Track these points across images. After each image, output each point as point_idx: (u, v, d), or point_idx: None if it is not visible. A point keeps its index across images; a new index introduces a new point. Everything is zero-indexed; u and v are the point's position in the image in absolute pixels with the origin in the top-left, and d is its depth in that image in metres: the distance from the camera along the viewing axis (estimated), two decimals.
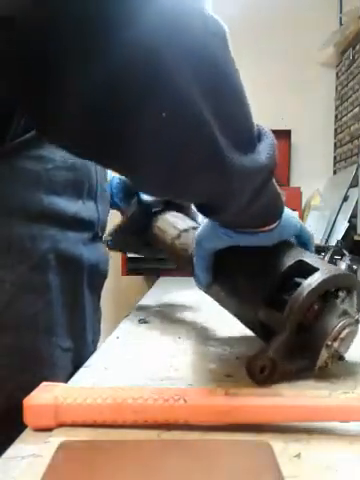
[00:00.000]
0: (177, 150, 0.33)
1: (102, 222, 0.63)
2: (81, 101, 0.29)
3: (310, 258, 0.52)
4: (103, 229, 0.65)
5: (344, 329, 0.48)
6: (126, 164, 0.35)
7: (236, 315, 0.58)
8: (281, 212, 0.49)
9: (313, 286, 0.47)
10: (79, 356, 0.57)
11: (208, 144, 0.34)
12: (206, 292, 0.61)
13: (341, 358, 0.49)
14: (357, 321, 0.49)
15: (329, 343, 0.48)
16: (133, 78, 0.29)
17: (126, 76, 0.29)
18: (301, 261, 0.51)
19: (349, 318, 0.48)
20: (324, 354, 0.48)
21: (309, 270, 0.49)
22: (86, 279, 0.58)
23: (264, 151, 0.40)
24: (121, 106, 0.30)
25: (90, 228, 0.59)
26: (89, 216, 0.58)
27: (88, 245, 0.59)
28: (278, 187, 0.46)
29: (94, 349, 0.62)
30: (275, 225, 0.50)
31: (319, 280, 0.48)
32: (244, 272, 0.54)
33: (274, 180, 0.44)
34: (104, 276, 0.65)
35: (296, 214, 0.54)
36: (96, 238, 0.62)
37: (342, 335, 0.48)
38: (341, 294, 0.50)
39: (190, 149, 0.34)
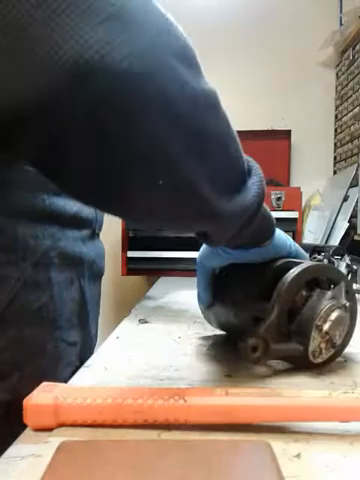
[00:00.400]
0: (169, 208, 0.38)
1: (100, 220, 0.66)
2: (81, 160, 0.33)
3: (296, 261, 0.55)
4: (100, 227, 0.67)
5: (333, 311, 0.49)
6: (123, 216, 0.41)
7: (235, 327, 0.60)
8: (273, 229, 0.52)
9: (296, 272, 0.51)
10: (84, 349, 0.59)
11: (198, 202, 0.38)
12: (205, 314, 0.64)
13: (335, 346, 0.50)
14: (345, 306, 0.51)
15: (319, 323, 0.49)
16: (127, 149, 0.33)
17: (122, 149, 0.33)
18: (289, 261, 0.54)
19: (337, 302, 0.50)
20: (315, 337, 0.49)
21: (296, 265, 0.53)
22: (87, 275, 0.60)
23: (253, 187, 0.43)
24: (117, 172, 0.34)
25: (88, 226, 0.61)
26: (87, 215, 0.60)
27: (87, 243, 0.61)
28: (267, 207, 0.48)
29: (95, 342, 0.64)
30: (269, 241, 0.52)
31: (302, 267, 0.52)
32: (242, 282, 0.57)
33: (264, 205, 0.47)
34: (101, 272, 0.67)
35: (289, 237, 0.57)
36: (94, 235, 0.64)
37: (331, 317, 0.49)
38: (327, 284, 0.52)
39: (181, 208, 0.38)
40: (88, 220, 0.61)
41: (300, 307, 0.51)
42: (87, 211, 0.60)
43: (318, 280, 0.53)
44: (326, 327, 0.49)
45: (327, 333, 0.49)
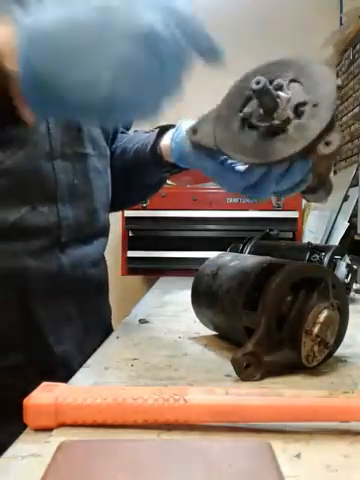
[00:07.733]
0: None
1: (70, 225, 0.58)
2: None
3: (279, 260, 0.55)
4: (76, 232, 0.59)
5: (320, 313, 0.49)
6: None
7: (227, 334, 0.61)
8: None
9: (278, 280, 0.50)
10: (44, 369, 0.56)
11: None
12: (199, 317, 0.64)
13: (328, 346, 0.49)
14: (332, 305, 0.50)
15: (308, 328, 0.48)
16: None
17: None
18: (271, 263, 0.54)
19: (324, 302, 0.49)
20: (307, 342, 0.49)
21: (278, 268, 0.52)
22: (38, 292, 0.55)
23: None
24: None
25: (42, 236, 0.54)
26: (40, 222, 0.54)
27: (40, 255, 0.55)
28: None
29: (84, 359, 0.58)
30: None
31: (285, 272, 0.51)
32: (228, 291, 0.57)
33: None
34: (80, 284, 0.61)
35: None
36: (57, 245, 0.57)
37: (320, 319, 0.49)
38: (313, 285, 0.51)
39: None
40: (41, 228, 0.53)
41: (287, 313, 0.50)
42: (39, 218, 0.53)
43: (303, 279, 0.52)
44: (316, 330, 0.48)
45: (318, 336, 0.48)
